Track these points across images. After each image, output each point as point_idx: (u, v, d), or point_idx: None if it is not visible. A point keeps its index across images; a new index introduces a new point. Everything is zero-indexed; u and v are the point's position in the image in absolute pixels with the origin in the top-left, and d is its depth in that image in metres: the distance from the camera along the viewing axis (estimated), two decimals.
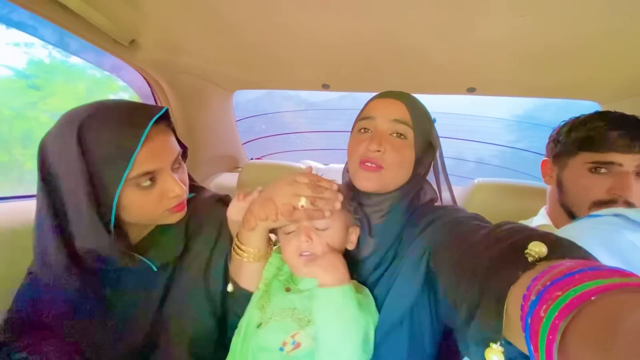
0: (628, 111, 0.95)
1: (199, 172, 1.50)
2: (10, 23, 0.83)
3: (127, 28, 0.85)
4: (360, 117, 0.69)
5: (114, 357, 0.64)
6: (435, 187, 0.75)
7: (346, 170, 0.74)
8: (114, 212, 0.57)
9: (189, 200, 0.73)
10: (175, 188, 0.62)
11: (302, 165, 1.41)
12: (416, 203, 0.68)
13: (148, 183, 0.59)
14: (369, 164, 0.63)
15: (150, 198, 0.60)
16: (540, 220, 0.90)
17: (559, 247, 0.36)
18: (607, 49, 0.77)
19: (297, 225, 0.61)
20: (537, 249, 0.35)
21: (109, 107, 0.58)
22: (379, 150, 0.62)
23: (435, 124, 0.74)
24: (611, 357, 0.20)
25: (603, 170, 0.70)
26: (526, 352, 0.29)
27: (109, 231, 0.57)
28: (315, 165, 1.62)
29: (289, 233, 0.62)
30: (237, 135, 1.75)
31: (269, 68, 1.18)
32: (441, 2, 0.68)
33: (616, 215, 0.58)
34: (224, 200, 0.79)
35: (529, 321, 0.28)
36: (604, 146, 0.69)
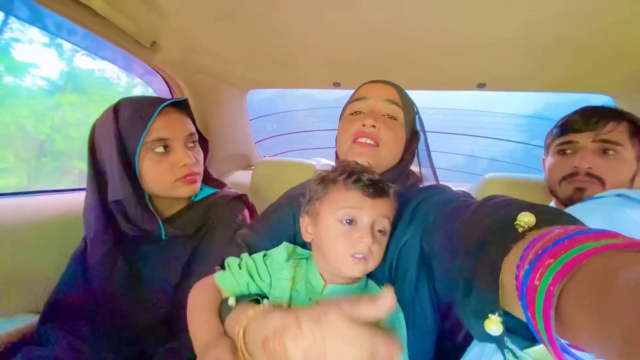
0: None
1: (213, 170, 1.54)
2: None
3: (149, 30, 0.90)
4: (352, 100, 0.70)
5: (138, 327, 0.71)
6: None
7: (335, 157, 0.75)
8: (136, 165, 0.70)
9: (211, 195, 0.84)
10: (184, 158, 0.73)
11: (314, 162, 1.43)
12: (402, 187, 0.67)
13: (161, 149, 0.71)
14: (364, 140, 0.64)
15: (163, 165, 0.72)
16: None
17: (547, 215, 0.37)
18: (619, 41, 0.77)
19: (362, 215, 0.54)
20: (526, 219, 0.36)
21: (140, 95, 0.76)
22: (374, 126, 0.63)
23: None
24: (605, 316, 0.21)
25: (568, 151, 0.81)
26: (524, 320, 0.30)
27: (134, 186, 0.70)
28: (326, 162, 1.65)
29: (347, 224, 0.54)
30: (250, 134, 1.79)
31: (281, 67, 1.21)
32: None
33: (618, 195, 0.59)
34: (241, 198, 0.88)
35: (525, 290, 0.29)
36: (565, 130, 0.81)
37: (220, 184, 0.92)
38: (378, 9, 0.76)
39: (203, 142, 0.87)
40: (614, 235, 0.27)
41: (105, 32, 0.85)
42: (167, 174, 0.72)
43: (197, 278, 0.71)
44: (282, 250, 0.62)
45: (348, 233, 0.54)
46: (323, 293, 0.57)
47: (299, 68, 1.20)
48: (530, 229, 0.35)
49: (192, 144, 0.77)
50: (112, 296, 0.71)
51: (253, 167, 1.77)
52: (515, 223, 0.36)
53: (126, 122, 0.70)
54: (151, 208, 0.74)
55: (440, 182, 0.78)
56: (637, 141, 0.76)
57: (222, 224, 0.79)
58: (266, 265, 0.61)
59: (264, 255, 0.62)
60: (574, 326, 0.24)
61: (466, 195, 0.60)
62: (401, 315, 0.58)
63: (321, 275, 0.58)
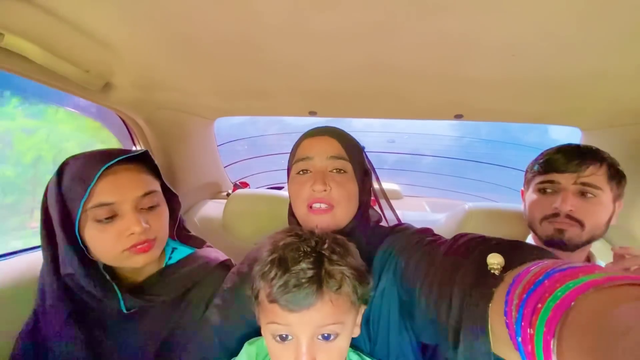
0: (607, 139, 0.99)
1: (183, 203, 1.41)
2: None
3: (100, 72, 0.78)
4: (296, 159, 0.67)
5: None
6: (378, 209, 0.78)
7: (291, 215, 0.71)
8: (79, 239, 0.60)
9: (189, 258, 0.75)
10: (132, 225, 0.60)
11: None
12: (366, 229, 0.68)
13: (105, 215, 0.60)
14: (318, 206, 0.62)
15: (107, 235, 0.60)
16: None
17: (516, 252, 0.38)
18: (592, 84, 0.79)
19: (293, 332, 0.47)
20: (496, 260, 0.37)
21: (91, 151, 0.63)
22: (325, 190, 0.61)
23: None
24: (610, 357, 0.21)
25: (549, 190, 0.80)
26: None
27: (81, 257, 0.61)
28: None
29: (282, 341, 0.48)
30: (219, 160, 1.68)
31: (252, 96, 1.13)
32: (434, 40, 0.66)
33: None
34: (225, 264, 0.78)
35: (520, 340, 0.28)
36: (546, 169, 0.80)
37: (198, 242, 0.81)
38: (357, 43, 0.71)
39: (171, 194, 0.76)
40: (591, 269, 0.28)
41: (48, 80, 0.73)
42: (113, 244, 0.61)
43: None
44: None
45: (284, 351, 0.48)
46: None
47: (272, 97, 1.12)
48: (505, 268, 0.36)
49: (150, 206, 0.66)
50: None
51: (223, 194, 1.66)
52: (488, 267, 0.37)
53: (68, 186, 0.60)
54: (107, 277, 0.64)
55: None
56: (614, 184, 0.77)
57: (209, 300, 0.71)
58: None
59: None
60: None
61: (430, 233, 0.62)
62: None
63: None
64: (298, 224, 0.68)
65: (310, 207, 0.62)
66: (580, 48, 0.66)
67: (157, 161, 0.71)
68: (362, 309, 0.54)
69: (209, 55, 0.78)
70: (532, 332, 0.27)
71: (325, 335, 0.46)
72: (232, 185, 1.81)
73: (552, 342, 0.25)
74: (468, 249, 0.44)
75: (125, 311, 0.63)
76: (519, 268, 0.35)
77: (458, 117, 1.14)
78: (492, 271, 0.36)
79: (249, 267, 0.68)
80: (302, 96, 1.10)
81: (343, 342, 0.48)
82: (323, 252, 0.49)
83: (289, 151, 0.73)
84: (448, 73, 0.81)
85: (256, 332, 0.62)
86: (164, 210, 0.70)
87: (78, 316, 0.62)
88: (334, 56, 0.77)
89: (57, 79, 0.74)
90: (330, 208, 0.62)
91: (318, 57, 0.77)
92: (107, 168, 0.60)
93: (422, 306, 0.49)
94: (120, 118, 1.06)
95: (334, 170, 0.64)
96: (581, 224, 0.75)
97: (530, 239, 0.93)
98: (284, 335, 0.47)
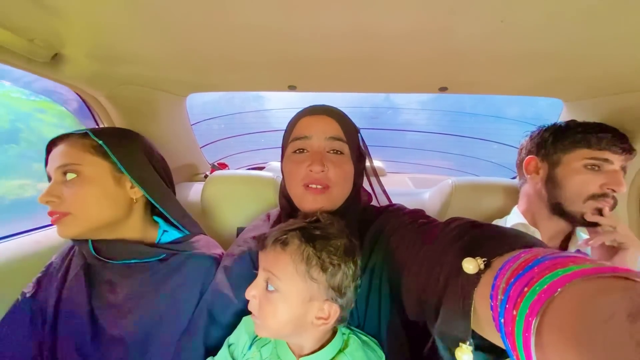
0: (589, 110, 0.99)
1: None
2: None
3: (46, 41, 0.67)
4: (293, 138, 0.67)
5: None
6: (370, 190, 0.79)
7: (282, 195, 0.72)
8: None
9: (175, 242, 0.77)
10: (42, 194, 0.65)
11: (272, 173, 1.30)
12: (357, 209, 0.70)
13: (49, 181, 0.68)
14: (315, 186, 0.62)
15: None
16: (514, 219, 0.93)
17: (505, 238, 0.39)
18: (576, 54, 0.78)
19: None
20: (471, 265, 0.36)
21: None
22: (322, 171, 0.61)
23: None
24: (590, 347, 0.21)
25: (596, 168, 0.78)
26: (497, 343, 0.32)
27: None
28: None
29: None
30: (194, 140, 1.58)
31: (227, 70, 1.04)
32: (419, 6, 0.62)
33: None
34: (211, 257, 0.77)
35: (502, 321, 0.29)
36: (599, 145, 0.78)
37: (192, 228, 0.83)
38: (337, 13, 0.65)
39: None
40: (582, 260, 0.28)
41: None
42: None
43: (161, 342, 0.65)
44: (241, 333, 0.58)
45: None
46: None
47: (249, 70, 1.04)
48: (494, 254, 0.37)
49: (62, 179, 0.68)
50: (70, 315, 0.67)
51: (200, 176, 1.59)
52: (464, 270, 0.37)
53: None
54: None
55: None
56: None
57: (185, 286, 0.71)
58: None
59: (229, 346, 0.58)
60: (556, 357, 0.24)
61: (421, 215, 0.63)
62: (380, 352, 0.57)
63: (290, 348, 0.54)
64: (289, 204, 0.68)
65: (306, 186, 0.63)
66: (564, 17, 0.63)
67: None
68: (328, 305, 0.51)
69: (175, 21, 0.69)
70: (515, 313, 0.27)
71: (267, 283, 0.51)
72: (209, 166, 1.73)
73: (532, 323, 0.25)
74: (459, 233, 0.45)
75: (94, 253, 0.69)
76: (508, 254, 0.35)
77: (442, 89, 1.11)
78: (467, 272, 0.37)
79: (239, 249, 0.71)
80: (280, 69, 1.02)
81: (281, 304, 0.49)
82: (308, 226, 0.53)
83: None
84: (432, 41, 0.76)
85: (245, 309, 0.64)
86: (82, 185, 0.68)
87: (86, 272, 0.71)
88: (314, 22, 0.70)
89: None
90: (327, 188, 0.62)
91: (296, 23, 0.70)
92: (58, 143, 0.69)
93: (411, 285, 0.50)
94: (79, 96, 0.95)
95: (332, 151, 0.64)
96: (616, 204, 0.77)
97: (515, 212, 0.94)
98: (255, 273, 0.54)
